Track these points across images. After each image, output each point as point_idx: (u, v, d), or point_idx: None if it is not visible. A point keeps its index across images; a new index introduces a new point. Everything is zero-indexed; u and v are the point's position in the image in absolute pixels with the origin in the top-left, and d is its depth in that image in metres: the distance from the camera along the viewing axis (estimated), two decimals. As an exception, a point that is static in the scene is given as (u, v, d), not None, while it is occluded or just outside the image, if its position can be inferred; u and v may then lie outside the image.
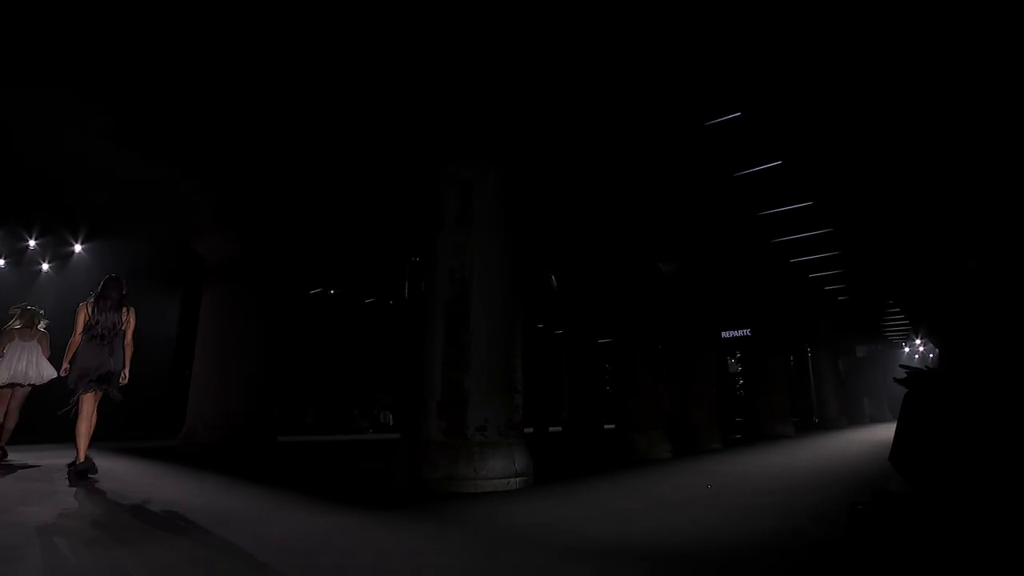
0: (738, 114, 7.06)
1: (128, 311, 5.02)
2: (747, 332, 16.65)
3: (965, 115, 6.70)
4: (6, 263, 12.63)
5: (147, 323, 12.59)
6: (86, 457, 4.71)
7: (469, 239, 5.09)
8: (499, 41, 5.44)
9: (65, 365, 4.87)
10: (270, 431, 8.47)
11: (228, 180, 8.42)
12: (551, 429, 14.08)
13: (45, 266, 12.92)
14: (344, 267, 13.82)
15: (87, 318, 4.80)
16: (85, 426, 4.69)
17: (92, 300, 4.91)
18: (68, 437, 4.96)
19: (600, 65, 6.25)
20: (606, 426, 11.67)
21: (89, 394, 4.73)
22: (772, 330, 15.04)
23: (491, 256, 5.16)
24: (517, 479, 4.91)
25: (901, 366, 3.34)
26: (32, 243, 12.47)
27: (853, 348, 23.49)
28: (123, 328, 4.94)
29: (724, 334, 18.83)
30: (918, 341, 27.03)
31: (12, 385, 5.89)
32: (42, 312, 6.35)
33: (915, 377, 3.09)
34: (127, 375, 4.96)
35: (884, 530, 2.92)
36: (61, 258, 12.68)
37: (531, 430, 9.96)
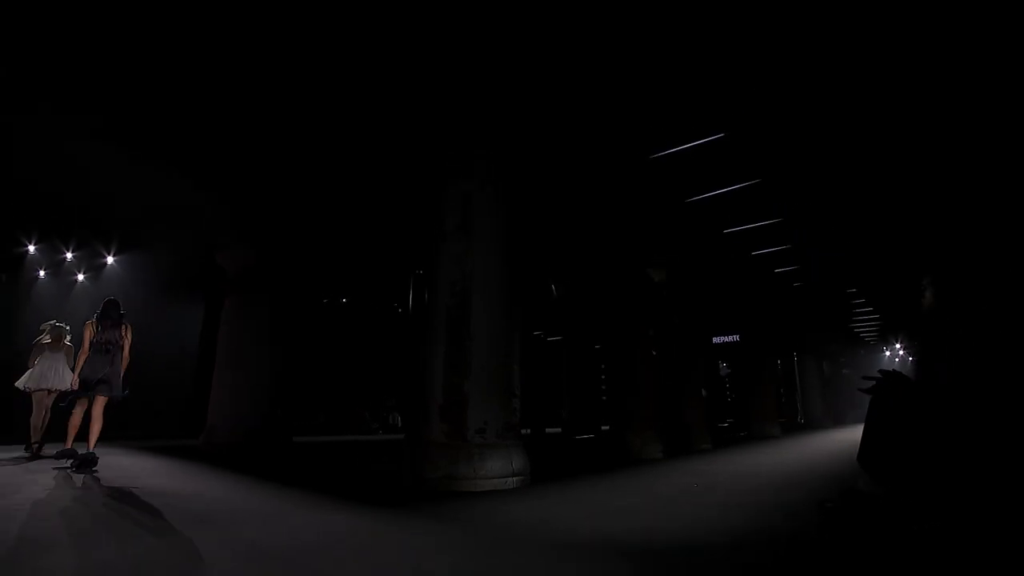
0: (721, 135, 7.07)
1: (126, 328, 5.46)
2: (736, 338, 16.55)
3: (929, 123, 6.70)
4: (46, 274, 12.77)
5: (173, 329, 12.76)
6: (93, 450, 5.11)
7: (469, 250, 5.07)
8: (496, 60, 5.48)
9: (75, 375, 5.31)
10: (286, 432, 8.47)
11: (245, 196, 8.53)
12: (548, 430, 13.99)
13: (80, 276, 13.04)
14: (355, 276, 13.87)
15: (92, 334, 5.24)
16: (97, 426, 5.13)
17: (96, 319, 5.35)
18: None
19: (592, 88, 6.28)
20: (603, 427, 11.59)
21: (98, 398, 5.14)
22: (760, 336, 14.98)
23: (490, 266, 5.14)
24: (515, 478, 4.86)
25: (864, 377, 3.31)
26: (69, 255, 12.62)
27: (837, 353, 23.32)
28: (121, 342, 5.35)
29: (715, 339, 18.75)
30: (898, 346, 26.81)
31: (42, 390, 6.34)
32: (68, 328, 6.73)
33: (881, 383, 3.06)
34: (126, 382, 5.36)
35: (850, 526, 2.88)
36: (95, 269, 12.81)
37: (528, 431, 9.84)
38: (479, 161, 5.26)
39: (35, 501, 3.74)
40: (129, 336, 5.43)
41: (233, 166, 7.85)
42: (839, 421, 21.01)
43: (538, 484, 5.07)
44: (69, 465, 5.08)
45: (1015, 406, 2.76)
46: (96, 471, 5.00)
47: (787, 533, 3.34)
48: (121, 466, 5.57)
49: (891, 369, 3.34)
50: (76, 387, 5.18)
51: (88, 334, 5.23)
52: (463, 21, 5.02)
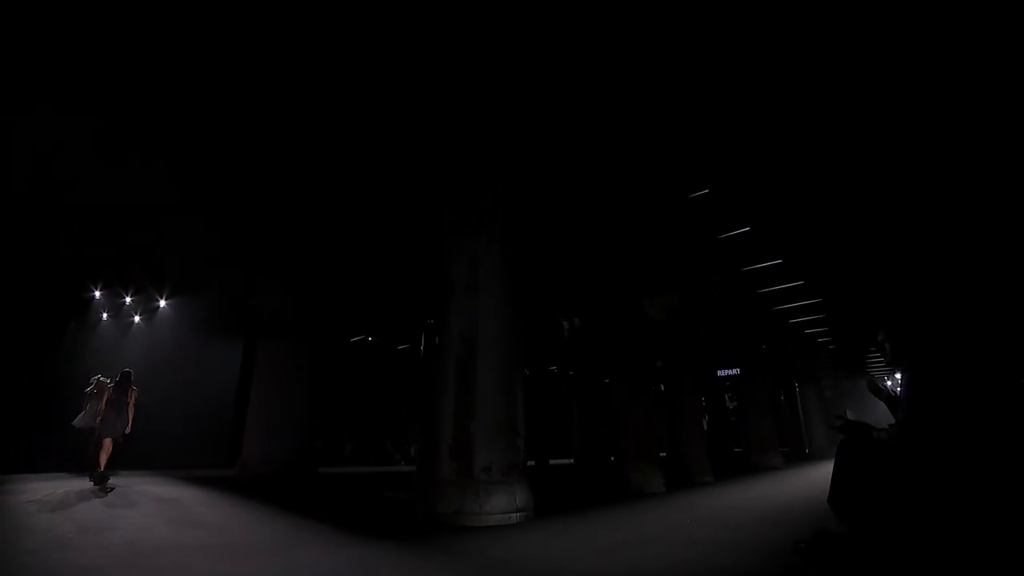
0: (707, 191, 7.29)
1: (132, 390, 7.35)
2: (738, 371, 16.28)
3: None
4: (108, 317, 13.38)
5: (216, 367, 13.11)
6: (105, 470, 6.86)
7: (476, 304, 5.29)
8: (504, 140, 5.85)
9: (97, 420, 7.19)
10: (312, 464, 8.60)
11: (278, 245, 9.01)
12: (552, 462, 13.72)
13: (137, 318, 13.61)
14: (379, 319, 14.21)
15: (109, 394, 7.20)
16: (105, 456, 6.93)
17: (112, 384, 7.35)
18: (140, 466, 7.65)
19: (590, 148, 6.61)
20: (612, 457, 11.37)
21: (108, 438, 6.99)
22: (758, 369, 14.73)
23: (495, 318, 5.33)
24: (518, 514, 4.91)
25: (836, 417, 3.36)
26: (128, 299, 13.24)
27: (836, 382, 22.65)
28: (128, 400, 7.21)
29: (720, 372, 18.37)
30: (898, 376, 25.96)
31: (88, 428, 7.82)
32: (109, 382, 7.90)
33: (845, 429, 3.12)
34: (130, 427, 7.22)
35: (822, 567, 2.89)
36: (149, 312, 13.37)
37: (532, 463, 9.58)
38: (485, 223, 5.52)
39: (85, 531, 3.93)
40: (134, 397, 7.33)
41: (268, 223, 8.40)
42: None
43: (540, 518, 5.10)
44: (90, 479, 6.79)
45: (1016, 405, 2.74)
46: (109, 484, 6.61)
47: (766, 572, 3.35)
48: (171, 497, 5.84)
49: (856, 419, 3.39)
50: (97, 430, 7.09)
51: (106, 394, 7.26)
52: (480, 113, 5.46)
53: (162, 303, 13.05)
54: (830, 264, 10.80)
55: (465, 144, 5.77)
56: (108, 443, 6.99)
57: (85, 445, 7.76)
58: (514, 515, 4.89)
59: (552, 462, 13.71)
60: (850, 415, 22.71)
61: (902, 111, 6.37)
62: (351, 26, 5.34)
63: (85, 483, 6.86)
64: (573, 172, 7.40)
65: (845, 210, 8.66)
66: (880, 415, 3.65)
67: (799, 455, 19.15)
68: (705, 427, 19.51)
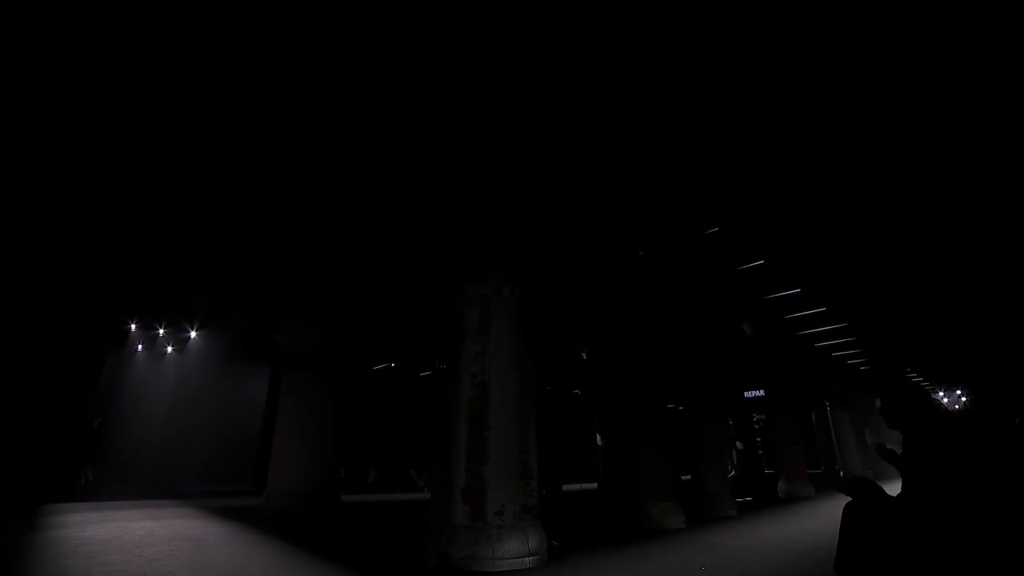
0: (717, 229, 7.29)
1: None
2: (762, 393, 15.87)
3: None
4: (142, 349, 14.01)
5: (241, 397, 13.54)
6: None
7: (487, 347, 5.41)
8: (507, 199, 6.03)
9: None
10: (334, 495, 8.79)
11: (305, 278, 9.36)
12: (567, 487, 13.47)
13: (169, 349, 14.19)
14: (402, 346, 14.46)
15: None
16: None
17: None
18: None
19: (593, 203, 6.71)
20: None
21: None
22: (782, 393, 14.35)
23: (507, 361, 5.43)
24: (530, 558, 4.94)
25: (841, 476, 3.33)
26: (161, 331, 13.84)
27: (871, 403, 21.77)
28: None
29: (747, 394, 17.81)
30: (940, 393, 24.80)
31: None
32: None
33: (852, 489, 3.08)
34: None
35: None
36: (181, 343, 13.94)
37: (544, 491, 9.34)
38: (493, 268, 5.67)
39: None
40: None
41: (292, 255, 8.82)
42: (880, 476, 19.34)
43: (553, 561, 5.11)
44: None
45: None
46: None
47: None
48: (197, 536, 6.11)
49: (863, 476, 3.36)
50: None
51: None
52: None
53: (193, 334, 13.60)
54: (852, 289, 10.56)
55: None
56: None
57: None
58: (527, 559, 4.92)
59: (567, 487, 13.50)
60: (860, 469, 21.52)
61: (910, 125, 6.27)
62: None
63: (118, 514, 7.78)
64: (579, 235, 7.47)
65: (863, 233, 8.52)
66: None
67: (834, 478, 18.42)
68: (735, 451, 19.00)
